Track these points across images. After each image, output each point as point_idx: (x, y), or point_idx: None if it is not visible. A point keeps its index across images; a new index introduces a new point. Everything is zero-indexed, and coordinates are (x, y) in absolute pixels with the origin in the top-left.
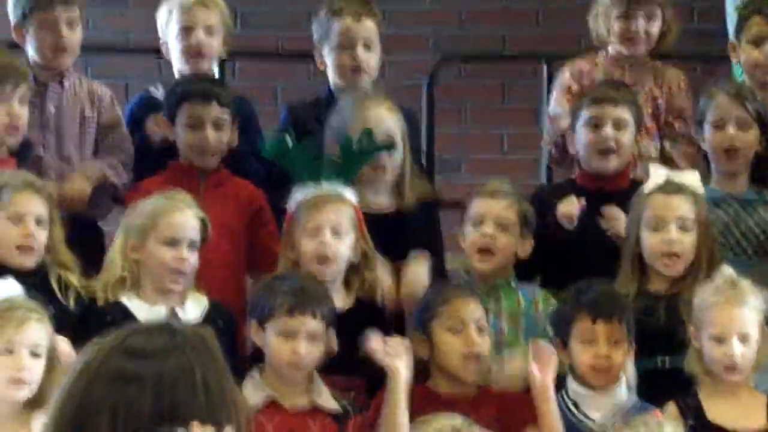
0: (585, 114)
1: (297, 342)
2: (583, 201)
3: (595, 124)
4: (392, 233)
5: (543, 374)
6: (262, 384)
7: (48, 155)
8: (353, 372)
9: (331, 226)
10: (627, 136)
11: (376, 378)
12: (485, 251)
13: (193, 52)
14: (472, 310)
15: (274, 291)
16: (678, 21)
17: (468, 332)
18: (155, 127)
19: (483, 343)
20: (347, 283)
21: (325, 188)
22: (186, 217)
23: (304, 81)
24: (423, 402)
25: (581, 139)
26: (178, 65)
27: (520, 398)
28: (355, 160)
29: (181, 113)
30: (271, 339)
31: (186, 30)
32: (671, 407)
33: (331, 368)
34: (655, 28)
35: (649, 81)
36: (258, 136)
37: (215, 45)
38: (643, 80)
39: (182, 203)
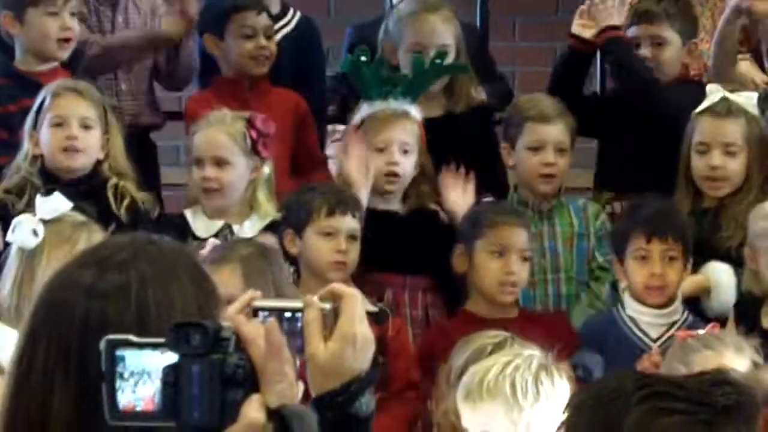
0: (629, 33)
1: (338, 240)
2: None
3: (636, 44)
4: (441, 137)
5: None
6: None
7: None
8: (410, 272)
9: (400, 143)
10: (669, 53)
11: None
12: (548, 175)
13: None
14: (518, 237)
15: (311, 196)
16: None
17: (509, 259)
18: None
19: (521, 272)
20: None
21: (393, 105)
22: (208, 136)
23: None
24: (466, 325)
25: None
26: None
27: (562, 320)
28: (425, 79)
29: (234, 24)
30: (311, 241)
31: None
32: (732, 312)
33: (388, 268)
34: None
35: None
36: (323, 56)
37: None
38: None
39: (207, 122)
